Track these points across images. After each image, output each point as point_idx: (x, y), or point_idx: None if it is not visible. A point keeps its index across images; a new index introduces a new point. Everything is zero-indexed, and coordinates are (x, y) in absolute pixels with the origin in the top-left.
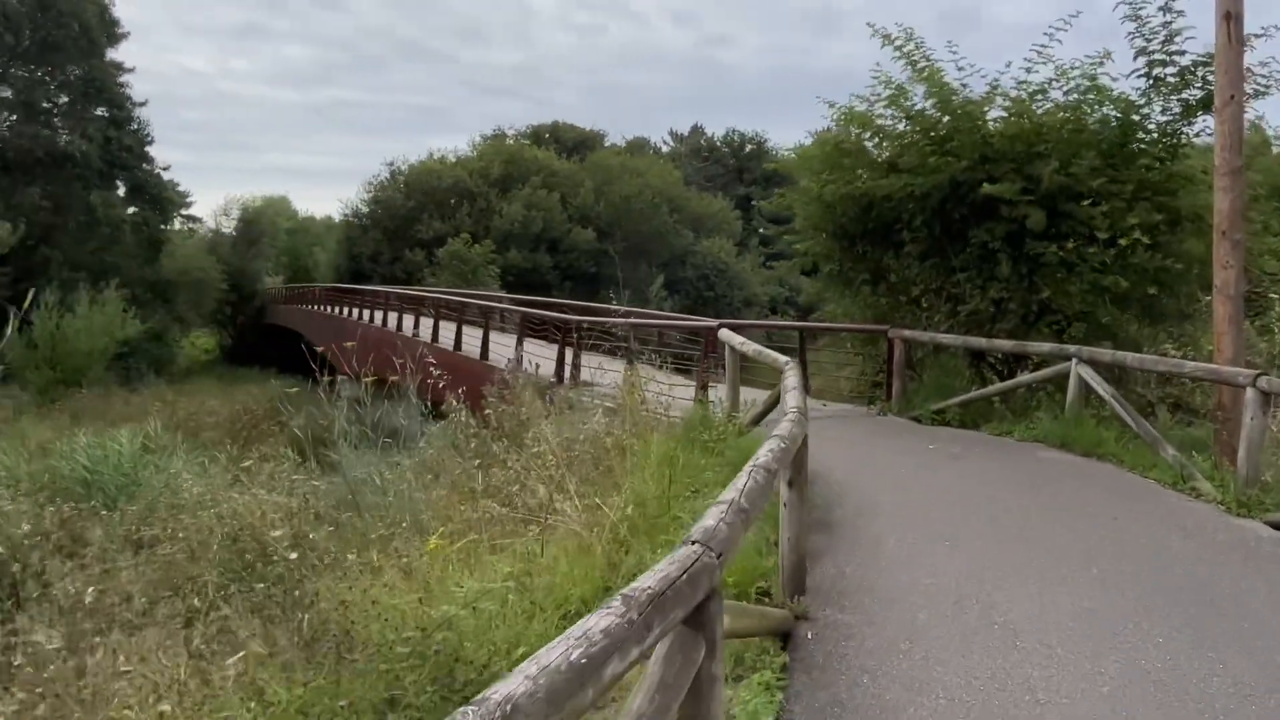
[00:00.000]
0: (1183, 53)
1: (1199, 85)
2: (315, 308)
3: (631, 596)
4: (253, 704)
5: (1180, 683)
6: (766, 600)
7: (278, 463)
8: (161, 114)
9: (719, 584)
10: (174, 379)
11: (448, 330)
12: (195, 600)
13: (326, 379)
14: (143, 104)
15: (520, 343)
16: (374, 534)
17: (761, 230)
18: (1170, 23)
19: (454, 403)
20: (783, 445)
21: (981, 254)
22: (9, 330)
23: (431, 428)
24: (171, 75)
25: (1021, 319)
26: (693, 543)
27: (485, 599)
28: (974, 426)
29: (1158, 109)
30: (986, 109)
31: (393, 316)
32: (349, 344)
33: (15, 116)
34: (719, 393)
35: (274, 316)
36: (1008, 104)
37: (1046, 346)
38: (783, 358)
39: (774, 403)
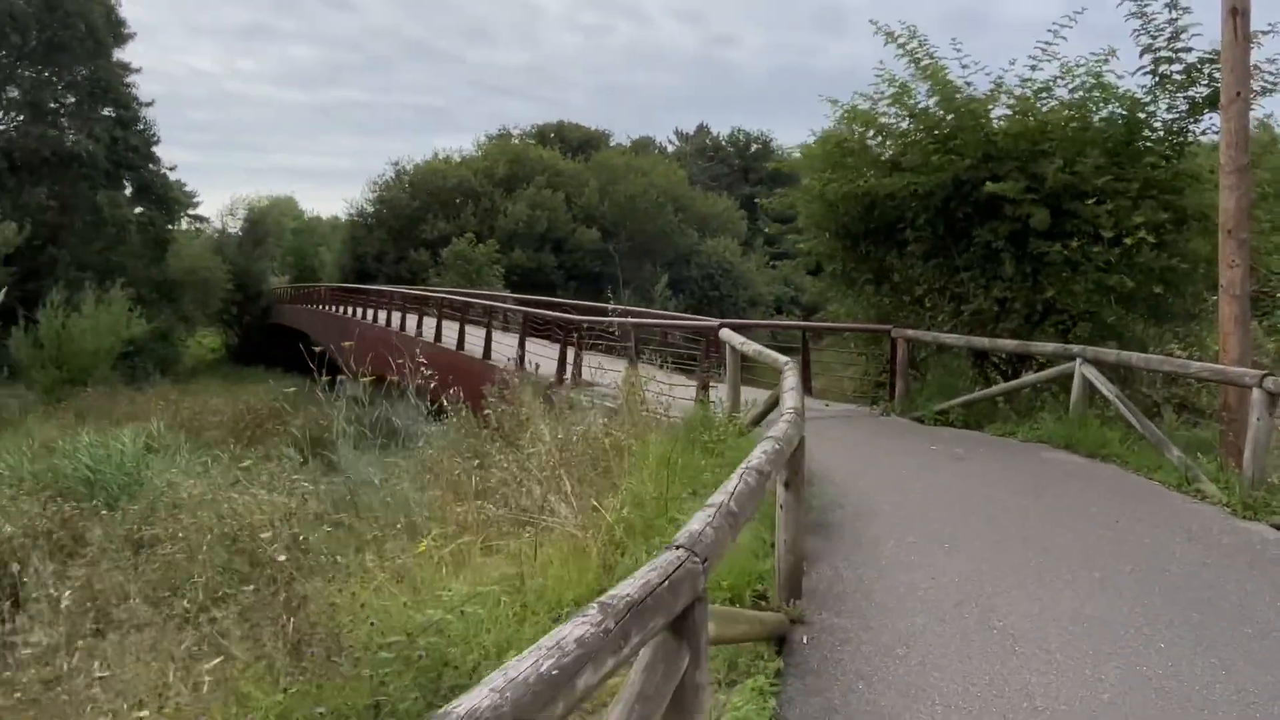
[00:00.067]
0: (1189, 50)
1: (1205, 82)
2: (320, 307)
3: (609, 604)
4: (234, 710)
5: (1182, 689)
6: (763, 604)
7: (278, 463)
8: (168, 114)
9: (704, 590)
10: (179, 378)
11: (451, 330)
12: (185, 602)
13: (325, 378)
14: (149, 104)
15: (522, 342)
16: (369, 535)
17: (766, 230)
18: (1176, 19)
19: (450, 402)
20: (777, 447)
21: (985, 253)
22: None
23: (431, 428)
24: (178, 76)
25: (1025, 319)
26: (677, 548)
27: (472, 602)
28: (977, 427)
29: (1163, 107)
30: (990, 107)
31: (395, 316)
32: (347, 343)
33: (22, 117)
34: (720, 393)
35: (279, 316)
36: (1012, 102)
37: (1050, 346)
38: (782, 358)
39: (774, 403)
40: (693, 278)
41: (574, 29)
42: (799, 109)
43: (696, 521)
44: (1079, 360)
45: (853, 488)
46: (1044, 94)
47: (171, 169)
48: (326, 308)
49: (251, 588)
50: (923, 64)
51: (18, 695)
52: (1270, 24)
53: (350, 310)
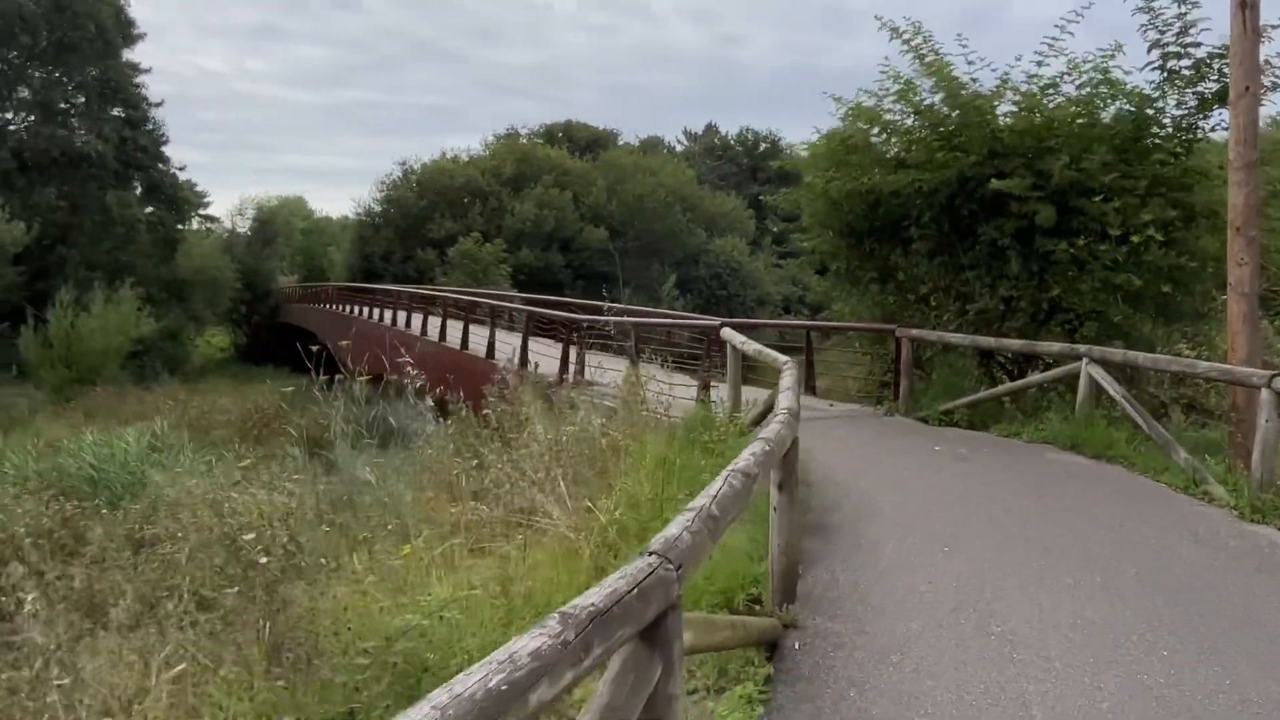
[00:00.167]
0: (1198, 44)
1: (1214, 77)
2: (328, 307)
3: (570, 614)
4: (204, 719)
5: (1184, 699)
6: (757, 607)
7: (280, 462)
8: (178, 115)
9: (677, 598)
10: (188, 377)
11: (456, 329)
12: (170, 605)
13: (323, 378)
14: (158, 104)
15: (525, 342)
16: (360, 536)
17: (775, 230)
18: (1185, 14)
19: (451, 401)
20: (767, 448)
21: (991, 251)
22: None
23: (429, 427)
24: (188, 76)
25: (1031, 317)
26: (650, 554)
27: (452, 606)
28: (982, 427)
29: (1172, 103)
30: (996, 103)
31: (401, 315)
32: (344, 342)
33: (33, 117)
34: (722, 392)
35: (287, 316)
36: (1018, 98)
37: (1056, 346)
38: (782, 357)
39: (774, 403)
40: (700, 277)
41: (583, 29)
42: (807, 108)
43: (674, 526)
44: (1085, 360)
45: (854, 489)
46: (1050, 90)
47: (181, 169)
48: (334, 307)
49: (235, 589)
50: (927, 60)
51: None
52: None
53: (356, 309)
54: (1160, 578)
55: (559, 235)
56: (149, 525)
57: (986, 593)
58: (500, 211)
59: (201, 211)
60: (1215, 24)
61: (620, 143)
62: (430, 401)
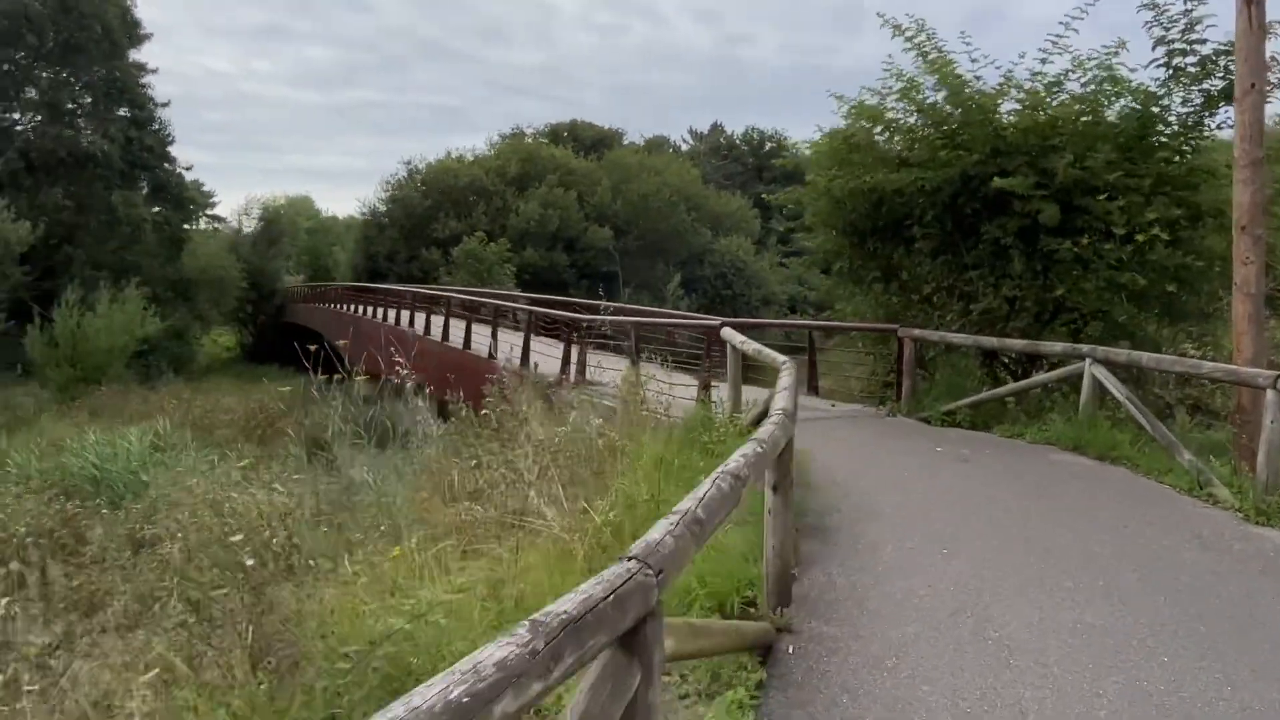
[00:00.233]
0: (1203, 41)
1: (1220, 74)
2: (332, 306)
3: (541, 622)
4: None
5: (1184, 707)
6: (752, 610)
7: (282, 462)
8: (185, 115)
9: (657, 604)
10: (193, 376)
11: (459, 328)
12: (156, 607)
13: (321, 377)
14: (165, 104)
15: (527, 341)
16: (353, 537)
17: (781, 229)
18: (1190, 10)
19: (452, 401)
20: (759, 450)
21: (994, 250)
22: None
23: (429, 427)
24: (195, 77)
25: (1035, 317)
26: (630, 559)
27: (438, 610)
28: (985, 428)
29: (1178, 100)
30: (999, 101)
31: (404, 314)
32: (342, 341)
33: (40, 117)
34: (723, 392)
35: (293, 315)
36: (1021, 96)
37: (1059, 346)
38: (781, 357)
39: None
40: (705, 277)
41: (589, 29)
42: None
43: (656, 530)
44: (1089, 360)
45: (853, 490)
46: (1055, 88)
47: (188, 169)
48: (338, 306)
49: (224, 591)
50: (930, 58)
51: None
52: None
53: (360, 309)
54: (1162, 581)
55: (563, 235)
56: (149, 525)
57: (985, 596)
58: (505, 211)
59: (208, 211)
60: (1221, 20)
61: (625, 142)
62: (422, 402)
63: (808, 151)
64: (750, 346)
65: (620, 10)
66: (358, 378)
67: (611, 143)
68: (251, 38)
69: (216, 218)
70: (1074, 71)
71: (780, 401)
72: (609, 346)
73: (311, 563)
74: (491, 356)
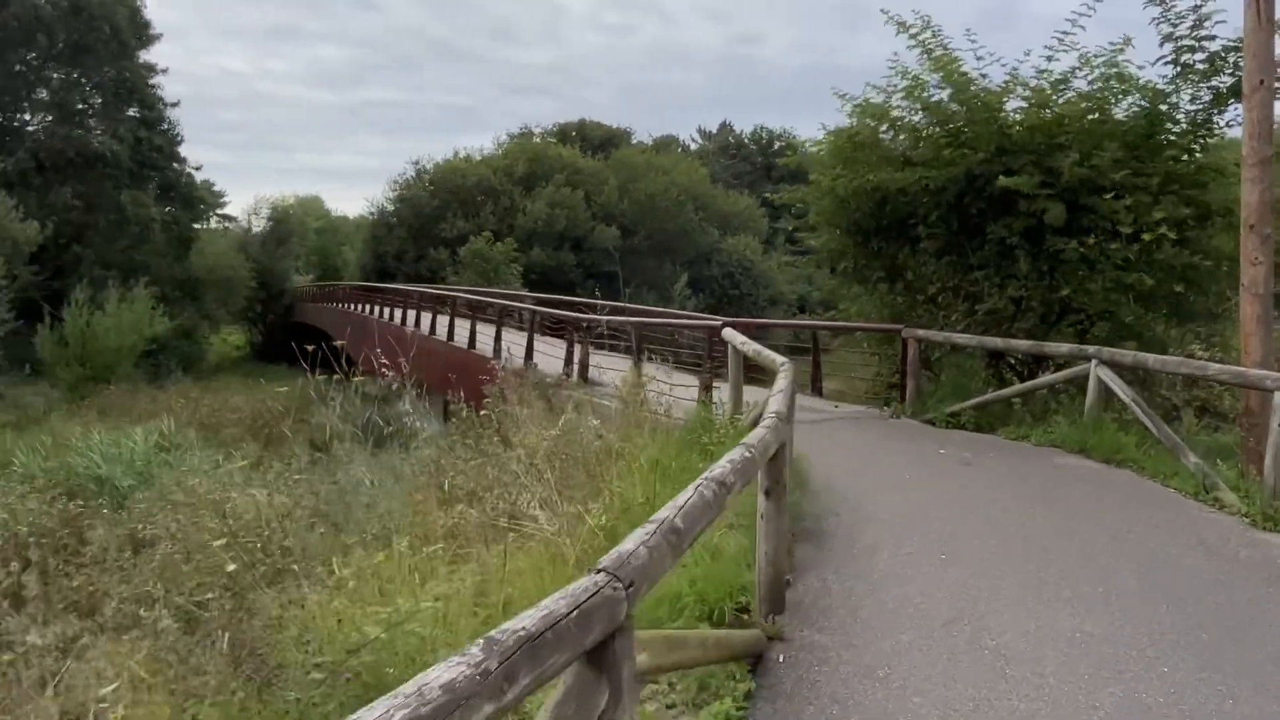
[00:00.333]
0: (1212, 37)
1: (1229, 71)
2: (340, 306)
3: (496, 640)
4: None
5: None
6: (744, 617)
7: (285, 462)
8: (200, 115)
9: (626, 619)
10: (202, 376)
11: (464, 328)
12: (141, 611)
13: (320, 376)
14: (174, 104)
15: (530, 341)
16: (347, 540)
17: (790, 227)
18: (1199, 6)
19: (454, 401)
20: (747, 455)
21: (999, 250)
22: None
23: (431, 428)
24: (210, 77)
25: (1042, 318)
26: (599, 571)
27: (418, 617)
28: (990, 430)
29: (1186, 98)
30: (1005, 99)
31: (406, 313)
32: (340, 342)
33: (50, 117)
34: (724, 393)
35: (301, 314)
36: (1027, 94)
37: (1065, 347)
38: (780, 358)
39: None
40: (713, 276)
41: (599, 29)
42: (825, 107)
43: (630, 541)
44: (1094, 362)
45: (852, 493)
46: (1061, 86)
47: (197, 169)
48: (346, 306)
49: (209, 596)
50: (935, 55)
51: None
52: None
53: (367, 308)
54: (1164, 589)
55: (570, 234)
56: (150, 525)
57: (982, 603)
58: (512, 211)
59: (219, 211)
60: (1230, 16)
61: (634, 141)
62: (424, 402)
63: (813, 150)
64: (750, 348)
65: (630, 10)
66: (361, 377)
67: (619, 142)
68: (265, 37)
69: (228, 217)
70: (1081, 69)
71: (774, 404)
72: (613, 346)
73: (295, 567)
74: (494, 356)
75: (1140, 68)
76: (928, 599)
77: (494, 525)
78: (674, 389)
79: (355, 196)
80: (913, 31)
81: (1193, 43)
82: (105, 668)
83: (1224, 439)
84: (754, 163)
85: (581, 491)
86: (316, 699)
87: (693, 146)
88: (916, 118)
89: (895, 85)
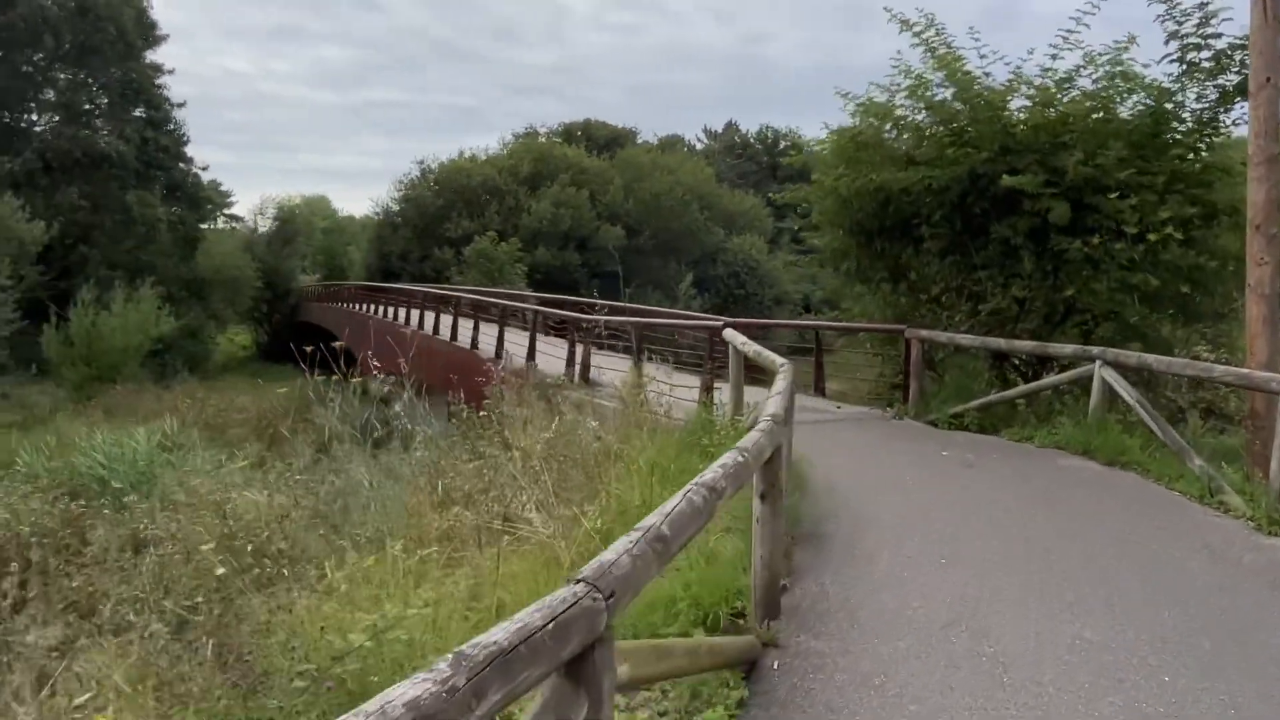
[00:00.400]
0: (1218, 35)
1: (1236, 69)
2: (345, 305)
3: (466, 654)
4: None
5: None
6: (740, 622)
7: (286, 462)
8: (205, 115)
9: (606, 630)
10: (208, 375)
11: (467, 328)
12: (131, 615)
13: (319, 376)
14: (180, 105)
15: (532, 341)
16: (342, 542)
17: (796, 227)
18: (1205, 3)
19: (454, 401)
20: (740, 459)
21: (1003, 250)
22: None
23: (430, 429)
24: (214, 77)
25: (1046, 318)
26: (577, 581)
27: (405, 623)
28: (993, 431)
29: (1192, 96)
30: (1009, 98)
31: (410, 313)
32: (338, 343)
33: (57, 118)
34: (725, 394)
35: (307, 314)
36: (1031, 93)
37: (1069, 348)
38: (779, 359)
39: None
40: (718, 276)
41: (604, 29)
42: (831, 106)
43: (612, 550)
44: (1099, 363)
45: (853, 496)
46: (1065, 84)
47: (204, 169)
48: (351, 306)
49: (198, 600)
50: (939, 54)
51: None
52: None
53: (372, 308)
54: (1167, 594)
55: (575, 234)
56: (151, 525)
57: (982, 608)
58: (517, 210)
59: (226, 211)
60: (1236, 14)
61: (639, 141)
62: (424, 402)
63: (816, 148)
64: (751, 348)
65: (636, 9)
66: (362, 377)
67: (625, 142)
68: (268, 38)
69: (234, 217)
70: (1085, 67)
71: (771, 406)
72: (614, 347)
73: (285, 571)
74: (496, 356)
75: (1145, 66)
76: (927, 603)
77: (489, 528)
78: (674, 390)
79: (358, 197)
80: (916, 30)
81: (1198, 40)
82: (90, 673)
83: (1230, 441)
84: (759, 162)
85: (579, 494)
86: (299, 707)
87: (698, 146)
88: (920, 117)
89: (899, 84)
